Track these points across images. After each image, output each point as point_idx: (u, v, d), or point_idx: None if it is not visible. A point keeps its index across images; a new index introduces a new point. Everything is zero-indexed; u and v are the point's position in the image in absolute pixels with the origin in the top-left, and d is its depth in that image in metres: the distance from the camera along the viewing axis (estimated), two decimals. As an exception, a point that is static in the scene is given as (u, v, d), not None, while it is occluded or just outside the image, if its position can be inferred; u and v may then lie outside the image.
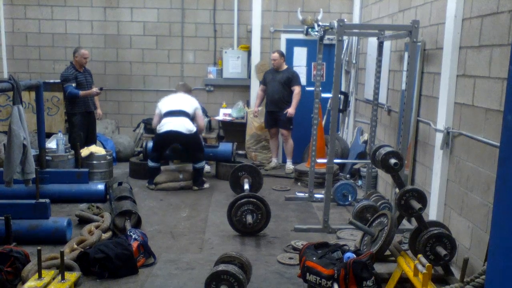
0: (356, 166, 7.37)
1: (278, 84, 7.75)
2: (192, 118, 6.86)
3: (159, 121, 6.82)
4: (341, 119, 8.51)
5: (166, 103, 6.92)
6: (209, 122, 8.81)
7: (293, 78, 7.75)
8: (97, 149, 7.05)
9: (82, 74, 7.23)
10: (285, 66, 7.89)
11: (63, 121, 8.24)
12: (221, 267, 3.64)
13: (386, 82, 6.45)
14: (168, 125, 6.68)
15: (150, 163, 6.92)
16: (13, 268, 3.82)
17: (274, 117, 7.90)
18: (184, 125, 6.68)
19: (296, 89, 7.71)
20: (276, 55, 7.77)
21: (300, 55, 8.71)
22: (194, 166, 6.98)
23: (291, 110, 7.67)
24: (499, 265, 1.56)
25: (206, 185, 7.06)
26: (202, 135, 7.47)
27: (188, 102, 6.94)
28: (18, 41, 8.93)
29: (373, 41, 6.81)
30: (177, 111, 6.79)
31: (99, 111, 7.71)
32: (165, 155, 7.22)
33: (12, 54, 8.95)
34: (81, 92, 7.05)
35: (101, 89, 7.41)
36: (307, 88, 8.41)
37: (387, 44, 6.33)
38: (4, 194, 5.39)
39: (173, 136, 6.69)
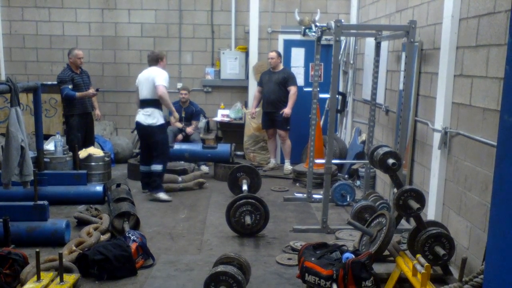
0: (354, 167, 7.38)
1: (275, 84, 7.77)
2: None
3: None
4: (339, 119, 8.52)
5: (140, 85, 6.35)
6: (207, 123, 8.83)
7: (289, 79, 7.76)
8: (95, 150, 7.04)
9: (79, 76, 7.22)
10: (281, 67, 7.91)
11: (61, 123, 8.23)
12: (220, 268, 3.64)
13: (383, 82, 6.46)
14: (137, 116, 6.44)
15: (140, 167, 6.71)
16: (12, 270, 3.81)
17: (271, 117, 7.91)
18: (145, 115, 6.27)
19: (292, 89, 7.72)
20: (273, 54, 7.78)
21: (297, 56, 8.72)
22: (150, 168, 6.43)
23: (287, 110, 7.68)
24: (497, 265, 1.56)
25: (163, 196, 6.36)
26: (174, 119, 6.86)
27: (152, 83, 6.20)
28: (15, 43, 8.92)
29: (370, 42, 6.82)
30: (144, 101, 6.31)
31: (97, 112, 7.69)
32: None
33: (9, 56, 8.94)
34: (78, 94, 7.05)
35: (97, 90, 7.39)
36: (305, 89, 8.42)
37: (384, 45, 6.34)
38: (3, 196, 5.39)
39: (138, 127, 6.45)
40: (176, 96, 8.29)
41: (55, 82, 7.54)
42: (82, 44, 8.76)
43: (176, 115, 6.75)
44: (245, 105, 8.81)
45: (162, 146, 6.41)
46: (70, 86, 7.03)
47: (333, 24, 5.04)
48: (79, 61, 7.19)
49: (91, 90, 7.20)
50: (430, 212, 4.75)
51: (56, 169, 6.45)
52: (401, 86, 5.56)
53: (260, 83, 8.06)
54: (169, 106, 6.39)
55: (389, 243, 3.91)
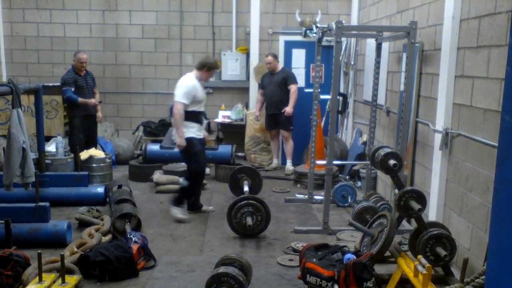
0: (355, 167, 7.38)
1: (275, 85, 7.80)
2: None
3: None
4: (340, 120, 8.52)
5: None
6: (208, 124, 8.83)
7: (288, 78, 7.80)
8: (96, 152, 7.05)
9: (83, 78, 7.24)
10: (279, 67, 7.96)
11: (62, 125, 8.24)
12: (222, 269, 3.64)
13: (384, 83, 6.46)
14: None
15: None
16: (14, 271, 3.81)
17: (275, 118, 7.93)
18: None
19: (293, 88, 7.75)
20: (270, 58, 7.82)
21: (298, 57, 8.72)
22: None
23: (288, 109, 7.71)
24: (499, 265, 1.56)
25: (179, 214, 5.64)
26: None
27: None
28: (16, 45, 8.93)
29: (371, 43, 6.82)
30: None
31: (99, 114, 7.71)
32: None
33: (11, 58, 8.95)
34: (80, 99, 7.07)
35: (100, 102, 7.44)
36: (306, 90, 8.43)
37: (385, 45, 6.34)
38: (4, 198, 5.39)
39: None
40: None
41: (57, 84, 7.57)
42: (83, 46, 8.77)
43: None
44: (246, 106, 8.81)
45: (188, 156, 5.66)
46: (72, 89, 7.04)
47: (334, 25, 5.05)
48: (81, 65, 7.21)
49: (94, 101, 7.23)
50: (431, 213, 4.75)
51: (57, 171, 6.46)
52: (402, 87, 5.56)
53: (261, 86, 8.09)
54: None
55: (390, 244, 3.91)
